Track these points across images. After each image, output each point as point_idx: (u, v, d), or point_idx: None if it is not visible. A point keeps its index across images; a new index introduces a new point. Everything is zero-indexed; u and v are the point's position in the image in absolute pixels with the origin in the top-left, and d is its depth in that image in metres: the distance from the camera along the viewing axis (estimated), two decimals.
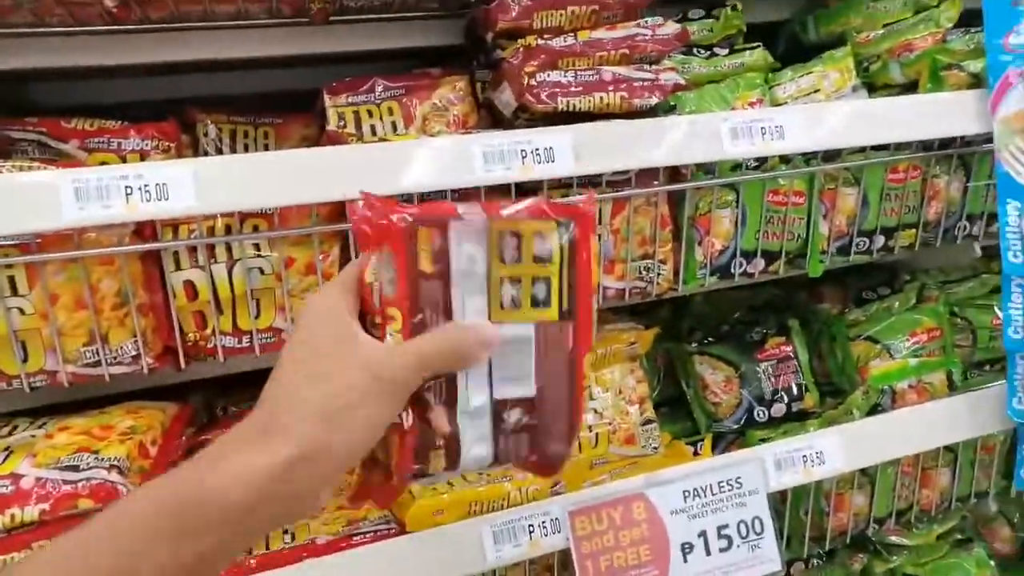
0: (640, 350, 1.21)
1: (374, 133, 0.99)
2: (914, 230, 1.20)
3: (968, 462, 1.26)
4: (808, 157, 1.13)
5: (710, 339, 1.36)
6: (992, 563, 1.32)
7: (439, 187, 0.92)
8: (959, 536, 1.35)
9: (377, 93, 1.02)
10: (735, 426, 1.29)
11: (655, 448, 1.17)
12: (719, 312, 1.45)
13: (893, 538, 1.30)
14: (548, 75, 0.96)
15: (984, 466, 1.28)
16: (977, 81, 1.13)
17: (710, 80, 1.17)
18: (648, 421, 1.18)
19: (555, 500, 1.00)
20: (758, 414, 1.29)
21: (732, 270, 1.13)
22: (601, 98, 0.98)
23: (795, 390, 1.29)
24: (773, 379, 1.30)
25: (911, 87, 1.18)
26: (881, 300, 1.37)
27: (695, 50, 1.19)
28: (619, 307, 1.26)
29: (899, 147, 1.15)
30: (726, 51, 1.19)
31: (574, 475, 1.07)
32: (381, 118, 1.01)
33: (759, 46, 1.20)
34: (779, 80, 1.19)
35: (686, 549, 1.02)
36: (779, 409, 1.29)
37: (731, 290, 1.44)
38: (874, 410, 1.19)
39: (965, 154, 1.18)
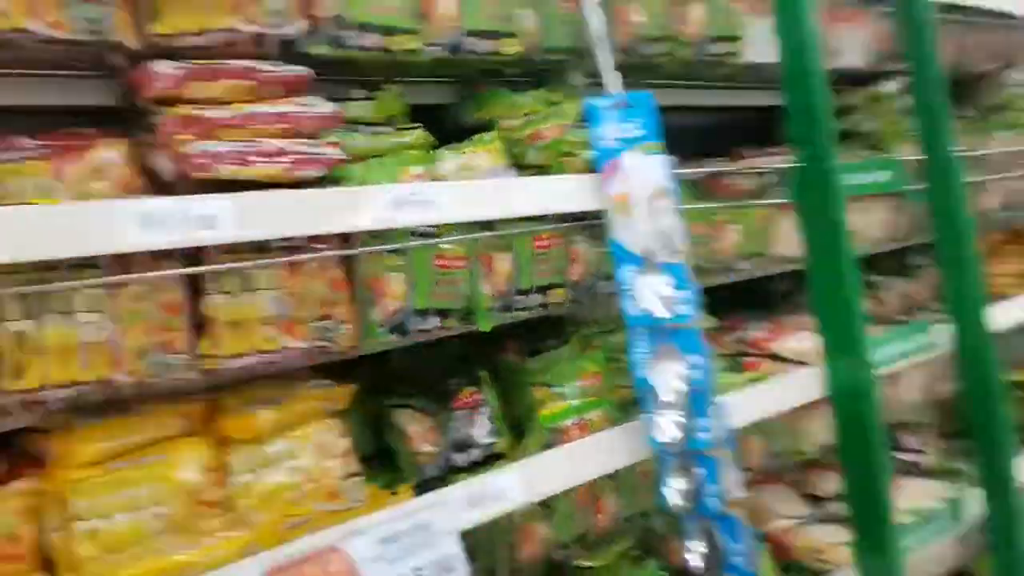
0: (338, 406, 1.23)
1: (18, 194, 0.93)
2: (563, 289, 1.39)
3: (630, 486, 1.44)
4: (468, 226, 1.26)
5: (410, 392, 1.43)
6: (666, 574, 1.50)
7: (89, 253, 0.89)
8: (635, 553, 1.52)
9: (21, 151, 0.97)
10: (438, 472, 1.35)
11: (360, 500, 1.18)
12: (417, 366, 1.53)
13: (581, 562, 1.43)
14: (205, 144, 0.99)
15: (645, 489, 1.47)
16: (592, 167, 1.37)
17: (375, 154, 1.27)
18: (352, 474, 1.20)
19: (250, 561, 0.97)
20: (458, 460, 1.36)
21: (408, 328, 1.21)
22: (263, 168, 1.03)
23: (489, 435, 1.39)
24: (469, 426, 1.39)
25: (547, 168, 1.40)
26: (553, 350, 1.55)
27: (359, 127, 1.29)
28: (323, 366, 1.29)
29: (543, 218, 1.34)
30: (390, 129, 1.32)
31: (270, 535, 1.05)
32: (26, 177, 0.95)
33: (420, 126, 1.34)
34: (439, 157, 1.33)
35: None
36: (476, 454, 1.38)
37: (428, 345, 1.54)
38: (547, 447, 1.32)
39: (595, 225, 1.40)
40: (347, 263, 1.15)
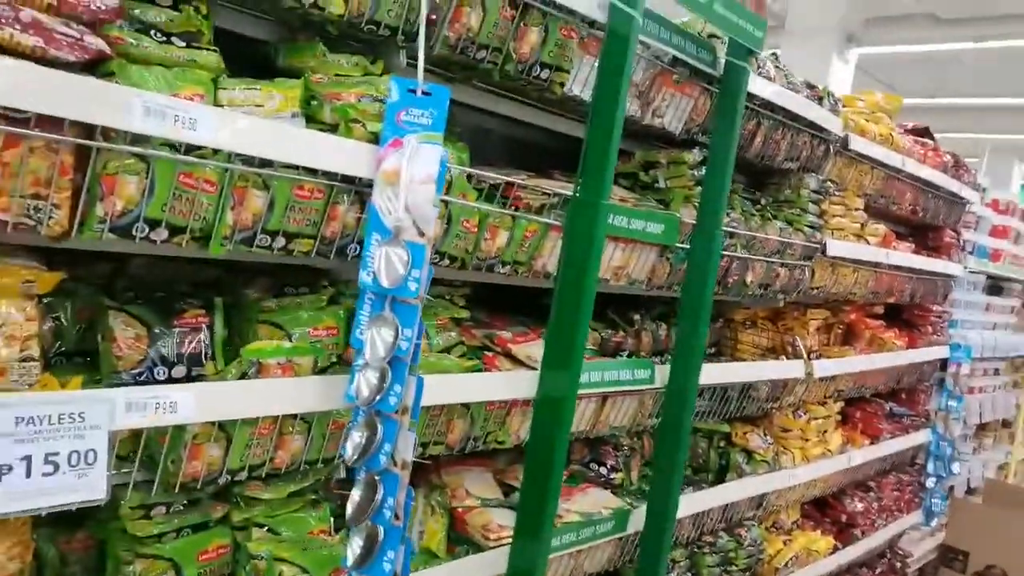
0: (38, 290, 1.26)
1: None
2: (312, 240, 1.48)
3: (320, 433, 1.57)
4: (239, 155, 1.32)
5: (139, 300, 1.46)
6: (332, 519, 1.64)
7: None
8: (313, 497, 1.65)
9: None
10: (131, 380, 1.40)
11: (28, 383, 1.22)
12: (156, 278, 1.57)
13: (251, 492, 1.54)
14: None
15: (335, 438, 1.60)
16: (375, 138, 1.47)
17: (161, 63, 1.30)
18: (28, 359, 1.23)
19: None
20: (158, 372, 1.42)
21: (134, 233, 1.26)
22: (11, 35, 1.04)
23: (198, 359, 1.45)
24: (181, 344, 1.44)
25: (334, 129, 1.48)
26: (297, 296, 1.64)
27: (153, 32, 1.31)
28: (55, 251, 1.31)
29: (310, 171, 1.41)
30: (184, 44, 1.34)
31: None
32: None
33: (215, 50, 1.38)
34: (228, 85, 1.38)
35: (3, 470, 1.09)
36: (180, 371, 1.44)
37: (187, 262, 1.59)
38: (243, 377, 1.42)
39: (361, 192, 1.50)
40: (84, 153, 1.17)
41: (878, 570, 4.12)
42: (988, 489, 4.92)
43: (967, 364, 4.59)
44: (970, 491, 5.15)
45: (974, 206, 4.44)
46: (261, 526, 1.53)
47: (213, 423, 1.37)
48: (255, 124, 1.30)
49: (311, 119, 1.50)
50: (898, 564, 4.34)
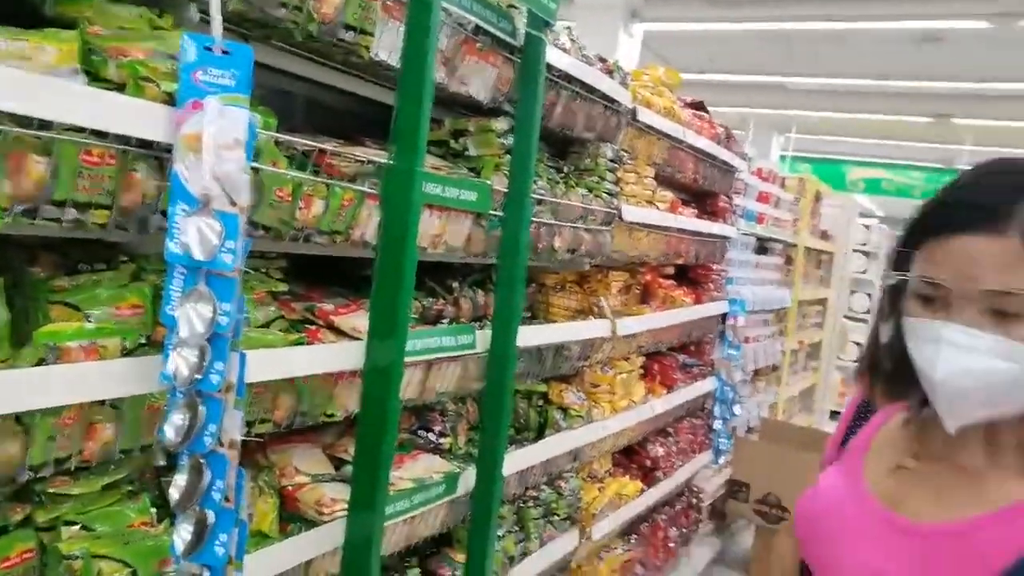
0: None
1: None
2: (108, 211, 1.36)
3: (134, 419, 1.45)
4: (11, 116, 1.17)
5: None
6: (153, 510, 1.53)
7: None
8: (129, 488, 1.53)
9: None
10: None
11: None
12: None
13: (57, 488, 1.40)
14: None
15: (151, 424, 1.49)
16: (171, 99, 1.38)
17: None
18: None
19: None
20: None
21: None
22: None
23: None
24: None
25: (121, 88, 1.36)
26: (94, 273, 1.49)
27: None
28: None
29: (99, 134, 1.29)
30: None
31: None
32: None
33: None
34: None
35: None
36: None
37: None
38: (40, 363, 1.28)
39: (160, 158, 1.40)
40: None
41: (678, 507, 4.58)
42: (763, 427, 5.62)
43: (743, 316, 5.19)
44: (749, 430, 5.85)
45: (743, 174, 5.02)
46: (72, 524, 1.39)
47: (7, 416, 1.22)
48: (30, 80, 1.17)
49: (93, 76, 1.36)
50: (694, 500, 4.85)
